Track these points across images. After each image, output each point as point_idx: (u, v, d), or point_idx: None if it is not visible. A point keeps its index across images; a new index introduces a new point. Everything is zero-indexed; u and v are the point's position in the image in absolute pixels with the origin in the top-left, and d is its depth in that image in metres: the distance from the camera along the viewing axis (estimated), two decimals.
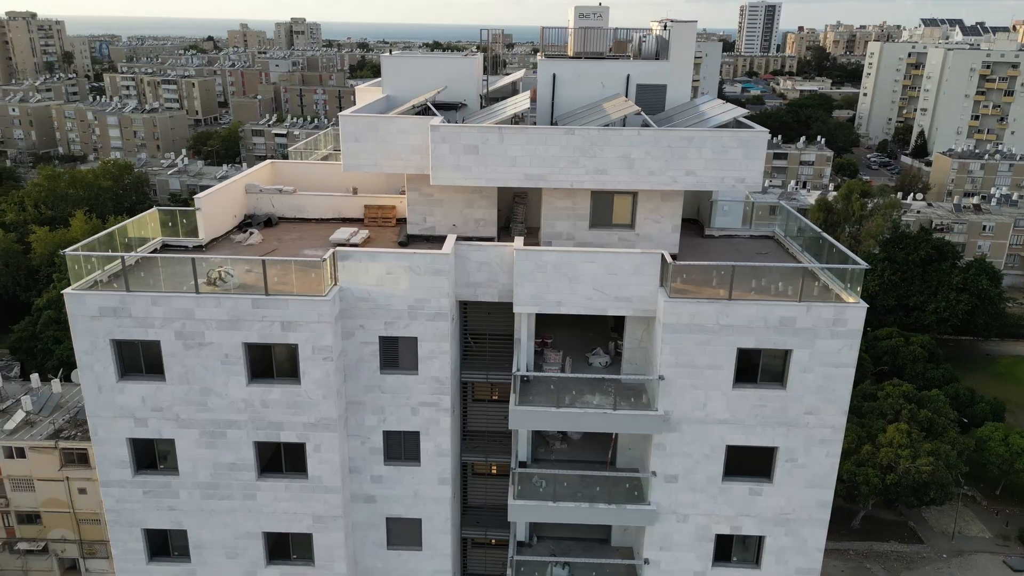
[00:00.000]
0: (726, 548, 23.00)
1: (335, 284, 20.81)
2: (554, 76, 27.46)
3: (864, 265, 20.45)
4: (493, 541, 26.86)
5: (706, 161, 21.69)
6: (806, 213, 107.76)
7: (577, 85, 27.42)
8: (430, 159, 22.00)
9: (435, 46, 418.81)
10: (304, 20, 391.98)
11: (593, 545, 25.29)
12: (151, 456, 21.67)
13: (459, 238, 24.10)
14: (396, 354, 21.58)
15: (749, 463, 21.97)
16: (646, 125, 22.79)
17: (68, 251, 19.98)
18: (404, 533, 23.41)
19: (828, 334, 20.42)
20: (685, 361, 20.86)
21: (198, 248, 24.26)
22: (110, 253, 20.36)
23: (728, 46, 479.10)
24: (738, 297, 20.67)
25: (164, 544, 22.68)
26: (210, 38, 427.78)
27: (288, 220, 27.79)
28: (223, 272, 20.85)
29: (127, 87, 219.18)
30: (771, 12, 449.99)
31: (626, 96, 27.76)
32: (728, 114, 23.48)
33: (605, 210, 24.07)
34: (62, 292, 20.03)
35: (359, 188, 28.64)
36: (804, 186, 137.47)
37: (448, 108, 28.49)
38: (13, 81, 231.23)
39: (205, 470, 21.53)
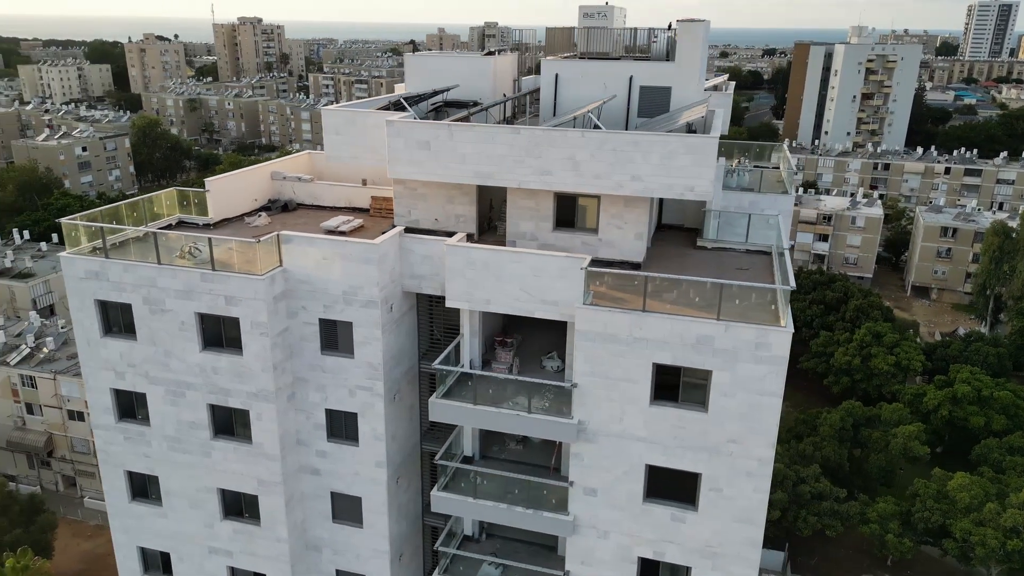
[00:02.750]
0: (651, 573, 21.82)
1: (279, 265, 22.29)
2: (556, 76, 27.32)
3: (789, 286, 18.61)
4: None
5: (653, 166, 20.73)
6: (980, 237, 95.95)
7: (580, 86, 27.10)
8: (387, 153, 22.86)
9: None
10: (496, 24, 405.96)
11: (540, 551, 24.94)
12: (130, 406, 24.45)
13: (441, 233, 24.89)
14: (335, 337, 22.71)
15: (672, 487, 20.75)
16: (596, 128, 22.11)
17: (64, 220, 23.13)
18: (346, 509, 24.53)
19: (750, 358, 18.82)
20: (600, 371, 20.14)
21: (207, 226, 26.84)
22: (98, 224, 23.20)
23: (950, 49, 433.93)
24: (669, 311, 19.62)
25: (143, 487, 25.47)
26: (411, 41, 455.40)
27: (306, 206, 29.84)
28: (192, 248, 23.06)
29: (327, 86, 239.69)
30: (1005, 12, 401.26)
31: (628, 97, 27.00)
32: (695, 116, 22.18)
33: (568, 213, 23.64)
34: (59, 255, 23.22)
35: (371, 180, 30.08)
36: (1000, 208, 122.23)
37: (460, 106, 29.19)
38: (234, 79, 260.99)
39: (171, 424, 23.95)
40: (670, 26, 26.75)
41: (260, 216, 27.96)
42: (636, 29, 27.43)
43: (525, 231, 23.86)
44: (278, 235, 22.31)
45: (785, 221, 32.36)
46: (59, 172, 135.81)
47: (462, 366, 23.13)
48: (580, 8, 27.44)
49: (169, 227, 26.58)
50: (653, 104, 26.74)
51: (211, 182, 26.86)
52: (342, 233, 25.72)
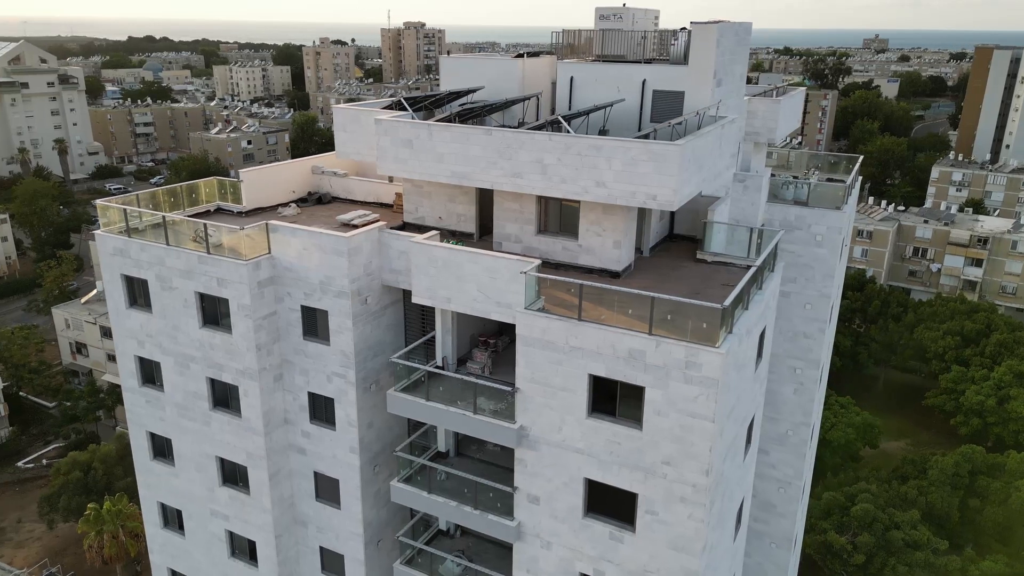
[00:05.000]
0: None
1: (268, 252, 23.71)
2: (572, 79, 27.03)
3: (717, 306, 17.37)
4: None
5: (615, 173, 20.14)
6: None
7: (594, 88, 26.72)
8: (376, 150, 23.68)
9: (786, 52, 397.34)
10: None
11: (508, 554, 24.79)
12: (150, 373, 26.93)
13: (443, 231, 25.59)
14: (315, 323, 23.82)
15: (610, 504, 20.02)
16: (562, 131, 21.69)
17: (99, 201, 25.89)
18: (327, 489, 25.63)
19: (681, 377, 17.83)
20: (540, 378, 19.83)
21: (240, 214, 28.97)
22: (121, 206, 25.74)
23: None
24: (605, 322, 19.00)
25: (162, 447, 27.94)
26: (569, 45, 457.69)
27: (340, 199, 31.39)
28: (199, 232, 25.02)
29: None
30: None
31: (641, 102, 26.20)
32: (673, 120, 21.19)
33: (550, 217, 23.43)
34: (94, 232, 26.03)
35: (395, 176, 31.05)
36: None
37: (490, 108, 29.50)
38: (393, 80, 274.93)
39: (179, 393, 26.15)
40: (683, 29, 25.62)
41: (291, 207, 29.74)
42: (650, 32, 26.52)
43: (510, 233, 23.88)
44: (267, 224, 23.75)
45: (833, 238, 30.18)
46: (226, 162, 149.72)
47: (434, 363, 23.52)
48: (596, 10, 26.94)
49: (207, 213, 28.96)
50: (666, 109, 25.77)
51: (245, 173, 28.91)
52: (355, 226, 26.86)
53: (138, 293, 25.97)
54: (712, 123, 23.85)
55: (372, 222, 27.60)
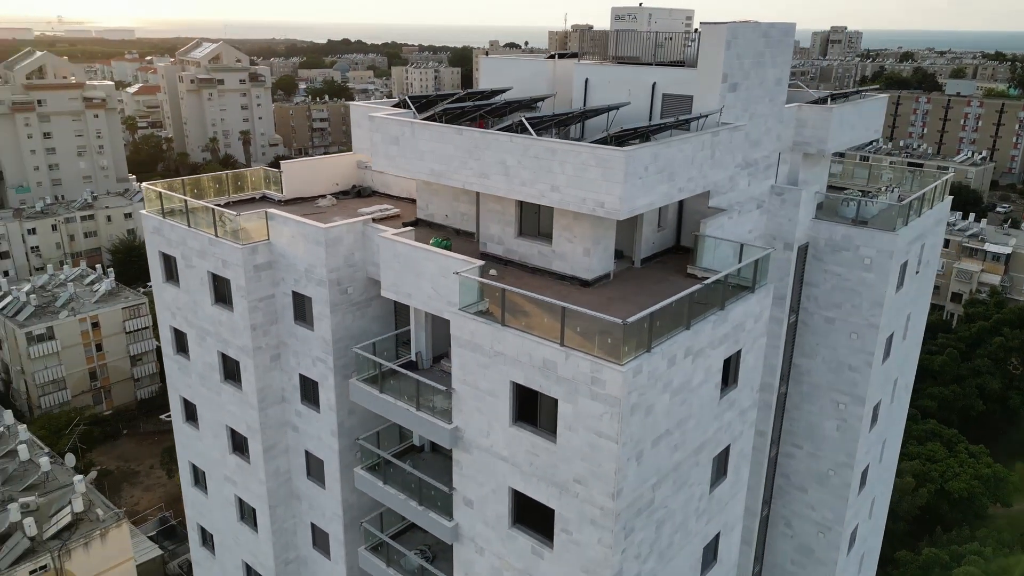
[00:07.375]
0: None
1: (267, 238, 25.14)
2: (586, 80, 26.39)
3: (617, 320, 16.24)
4: None
5: (568, 177, 19.54)
6: None
7: (607, 90, 26.02)
8: (370, 146, 24.43)
9: (996, 56, 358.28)
10: (845, 29, 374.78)
11: None
12: (182, 342, 29.41)
13: (450, 228, 26.16)
14: (303, 308, 24.95)
15: (533, 518, 19.46)
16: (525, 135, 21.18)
17: (145, 184, 28.60)
18: (315, 468, 26.76)
19: (588, 393, 16.99)
20: (471, 380, 19.63)
21: (280, 202, 30.92)
22: (157, 189, 28.22)
23: None
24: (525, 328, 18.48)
25: (191, 411, 30.43)
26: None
27: (379, 193, 32.63)
28: (223, 217, 27.00)
29: None
30: None
31: (651, 105, 25.06)
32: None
33: (529, 220, 23.10)
34: (140, 212, 28.85)
35: None
36: None
37: (524, 107, 29.49)
38: None
39: (201, 362, 28.38)
40: (695, 29, 24.14)
41: (327, 198, 31.30)
42: (667, 33, 25.21)
43: (494, 234, 23.79)
44: (265, 212, 25.19)
45: (884, 263, 27.48)
46: None
47: (407, 358, 23.90)
48: (612, 10, 26.02)
49: (252, 200, 31.19)
50: (675, 113, 24.44)
51: (286, 165, 30.83)
52: (374, 219, 27.85)
53: (171, 269, 28.47)
54: (714, 128, 22.37)
55: (393, 216, 28.51)
